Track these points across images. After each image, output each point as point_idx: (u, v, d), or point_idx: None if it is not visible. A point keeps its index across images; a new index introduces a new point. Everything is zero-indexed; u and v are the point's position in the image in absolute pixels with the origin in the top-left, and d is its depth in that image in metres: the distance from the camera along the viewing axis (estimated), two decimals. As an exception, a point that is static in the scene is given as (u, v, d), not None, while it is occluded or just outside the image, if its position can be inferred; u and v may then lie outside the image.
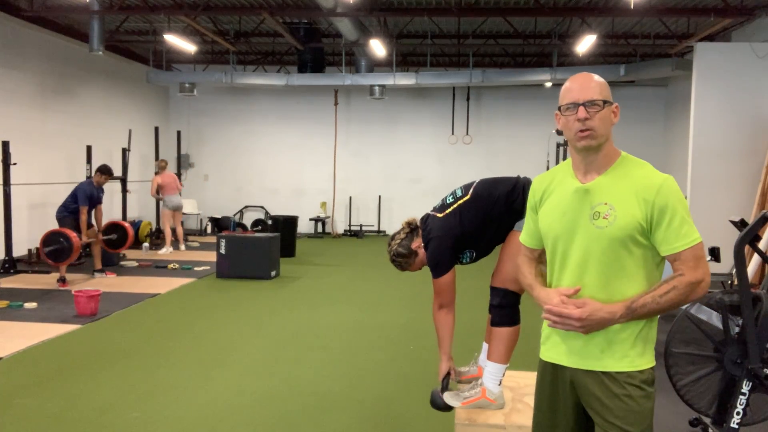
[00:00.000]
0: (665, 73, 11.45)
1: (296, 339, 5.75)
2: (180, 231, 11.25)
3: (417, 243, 3.07)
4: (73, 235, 7.45)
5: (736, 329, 3.16)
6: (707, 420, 3.27)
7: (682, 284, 1.80)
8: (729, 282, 6.09)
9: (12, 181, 8.61)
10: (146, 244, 11.29)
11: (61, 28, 10.63)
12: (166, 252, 10.80)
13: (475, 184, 3.01)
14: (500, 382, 2.88)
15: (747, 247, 3.47)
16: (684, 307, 2.82)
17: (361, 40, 10.86)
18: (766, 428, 3.36)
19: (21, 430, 3.68)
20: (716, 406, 3.18)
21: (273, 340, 5.71)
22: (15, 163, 8.57)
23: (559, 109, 1.94)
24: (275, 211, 14.10)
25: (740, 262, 3.23)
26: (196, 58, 13.61)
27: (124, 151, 11.10)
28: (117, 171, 11.47)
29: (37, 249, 9.71)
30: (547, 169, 12.36)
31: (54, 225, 8.15)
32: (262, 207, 14.71)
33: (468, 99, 14.51)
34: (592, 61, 12.51)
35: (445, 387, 2.95)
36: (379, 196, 14.53)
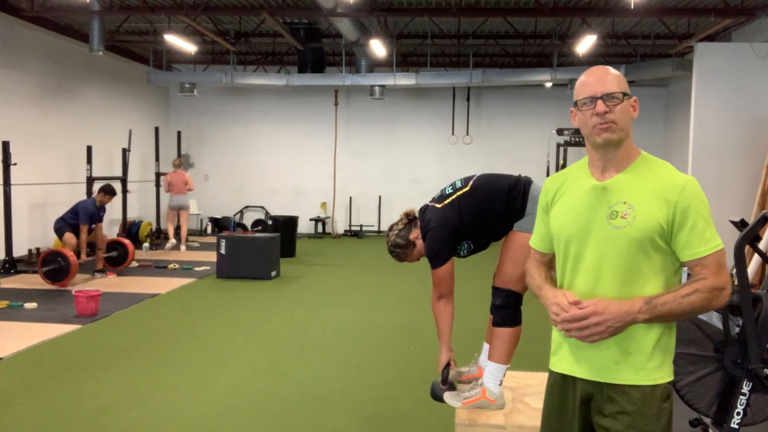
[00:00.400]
0: (665, 73, 11.45)
1: (296, 339, 5.75)
2: (184, 231, 11.31)
3: (415, 234, 3.06)
4: (70, 254, 7.48)
5: (737, 329, 3.16)
6: (707, 420, 3.27)
7: (705, 288, 1.68)
8: (729, 282, 6.08)
9: (12, 181, 8.61)
10: (146, 244, 11.30)
11: (61, 28, 10.63)
12: (170, 246, 10.93)
13: (475, 177, 3.01)
14: (501, 383, 2.88)
15: (747, 248, 3.47)
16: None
17: (361, 40, 10.86)
18: (766, 428, 3.36)
19: (21, 430, 3.68)
20: (716, 407, 3.17)
21: (273, 340, 5.70)
22: (15, 163, 8.57)
23: (575, 104, 1.81)
24: (275, 211, 14.10)
25: (740, 262, 3.23)
26: (196, 58, 13.61)
27: (125, 151, 11.11)
28: (117, 171, 11.53)
29: (38, 249, 9.73)
30: (547, 168, 12.42)
31: (51, 229, 8.22)
32: (263, 207, 14.71)
33: (468, 99, 14.51)
34: (592, 62, 12.50)
35: (445, 378, 2.94)
36: (379, 196, 14.53)
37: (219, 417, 3.91)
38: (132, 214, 12.33)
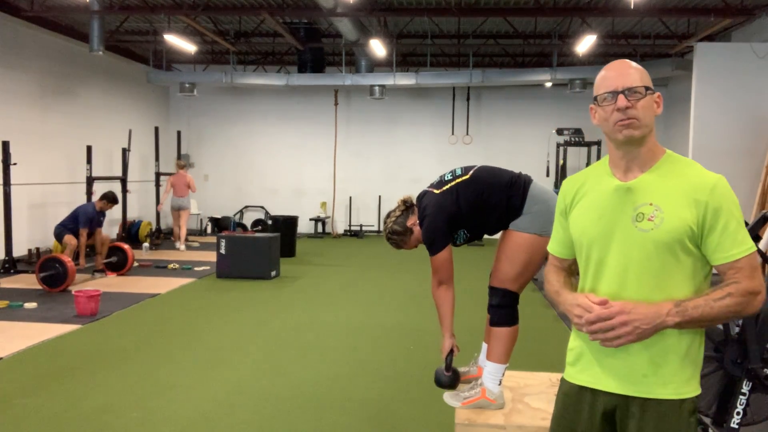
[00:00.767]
0: (665, 73, 11.45)
1: (296, 339, 5.75)
2: (183, 231, 11.34)
3: (412, 220, 3.06)
4: (68, 260, 7.48)
5: (736, 329, 3.16)
6: (707, 420, 3.27)
7: (739, 291, 1.57)
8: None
9: (12, 181, 8.61)
10: (146, 244, 11.31)
11: (61, 28, 10.63)
12: (182, 248, 11.18)
13: (476, 167, 3.02)
14: (500, 382, 2.88)
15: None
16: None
17: (361, 40, 10.86)
18: (766, 428, 3.36)
19: (21, 430, 3.67)
20: (716, 406, 3.17)
21: (273, 340, 5.70)
22: (15, 163, 8.57)
23: (595, 100, 1.70)
24: (275, 211, 14.10)
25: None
26: (196, 58, 13.61)
27: (124, 151, 11.11)
28: (117, 171, 11.53)
29: (38, 249, 9.73)
30: (547, 168, 12.42)
31: (51, 229, 8.21)
32: (262, 207, 14.71)
33: (468, 99, 14.51)
34: (592, 61, 12.51)
35: (449, 364, 2.94)
36: (379, 196, 14.53)
37: (219, 417, 3.91)
38: (132, 214, 12.33)
